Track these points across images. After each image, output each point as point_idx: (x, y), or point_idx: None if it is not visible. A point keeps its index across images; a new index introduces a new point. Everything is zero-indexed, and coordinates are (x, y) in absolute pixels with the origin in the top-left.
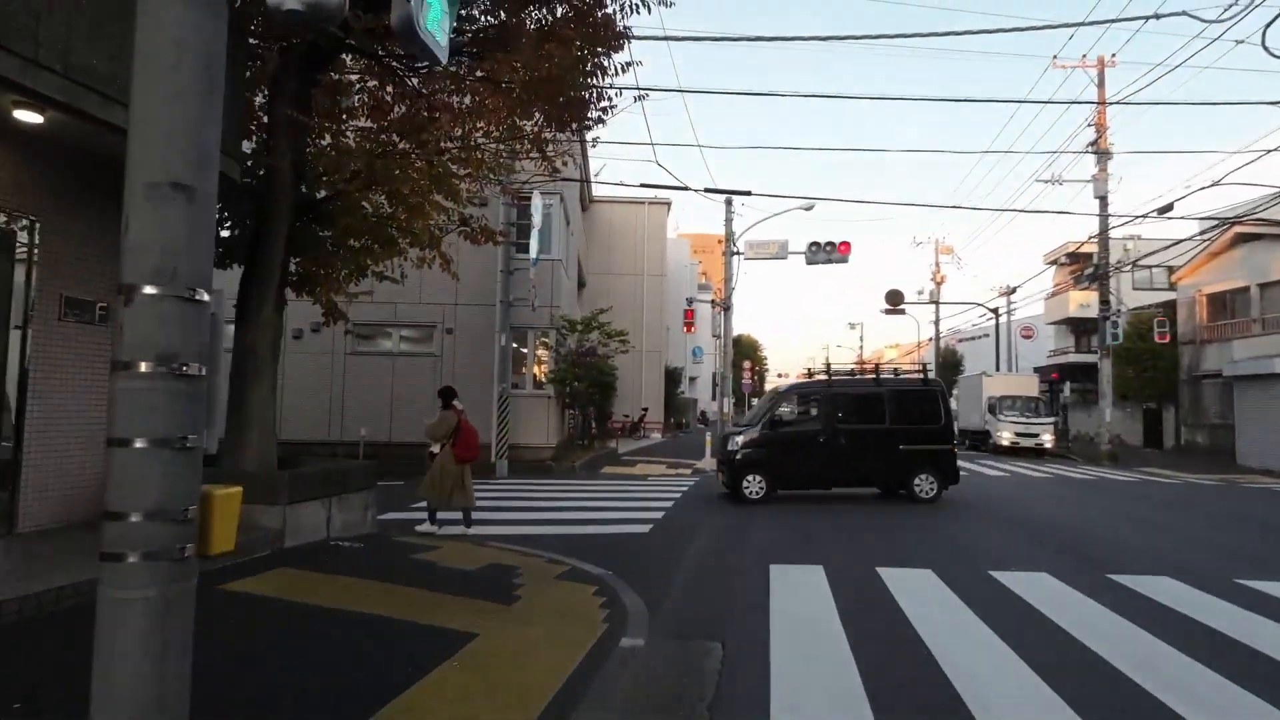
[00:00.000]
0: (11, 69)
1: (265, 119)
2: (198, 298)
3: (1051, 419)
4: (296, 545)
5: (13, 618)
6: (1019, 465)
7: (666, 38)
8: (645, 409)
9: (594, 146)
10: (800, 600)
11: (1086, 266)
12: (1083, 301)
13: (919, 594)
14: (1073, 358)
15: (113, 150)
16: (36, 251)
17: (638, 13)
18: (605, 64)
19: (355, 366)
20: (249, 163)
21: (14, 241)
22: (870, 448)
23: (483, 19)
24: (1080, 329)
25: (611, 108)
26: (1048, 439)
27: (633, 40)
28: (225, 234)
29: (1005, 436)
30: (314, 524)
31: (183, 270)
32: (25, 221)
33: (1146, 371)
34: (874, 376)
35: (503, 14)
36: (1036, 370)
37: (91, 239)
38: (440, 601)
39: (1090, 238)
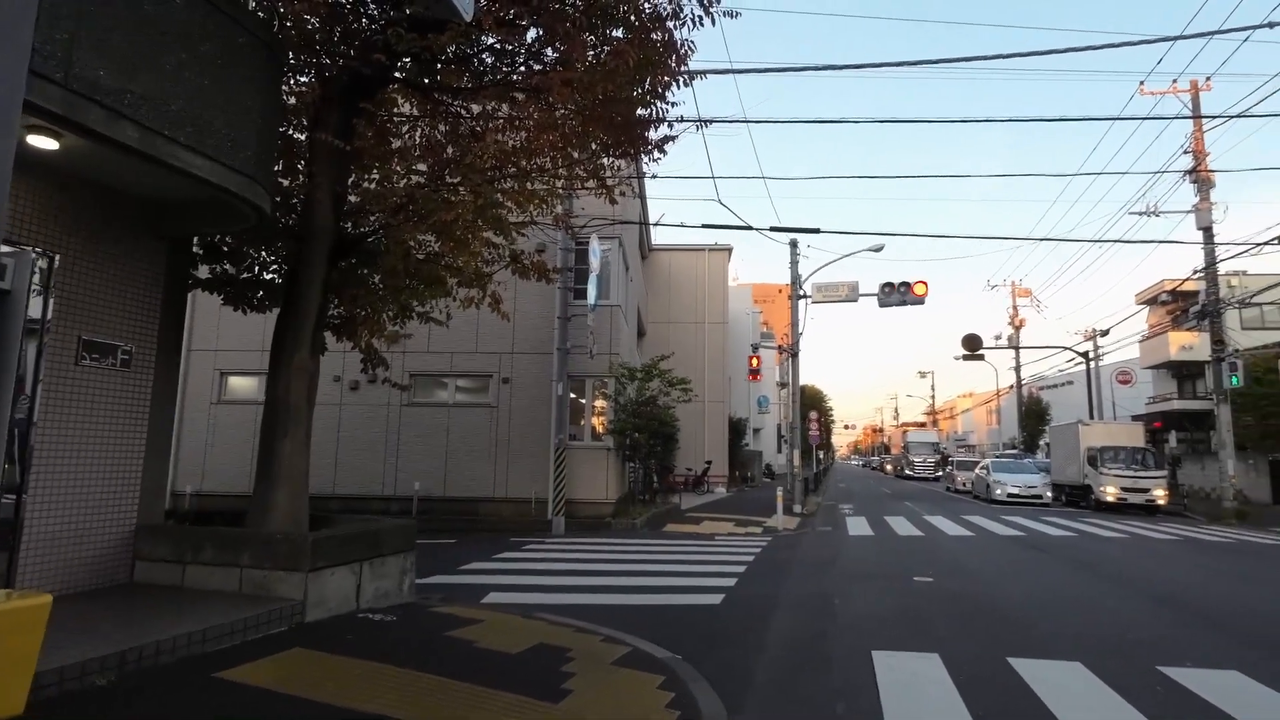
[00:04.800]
0: None
1: (306, 151)
2: None
3: (1163, 472)
4: (320, 619)
5: None
6: (1133, 525)
7: (730, 70)
8: (709, 462)
9: (653, 179)
10: (920, 705)
11: (1189, 305)
12: (1185, 343)
13: (1073, 698)
14: (1177, 404)
15: (137, 185)
16: (53, 289)
17: (700, 25)
18: (663, 91)
19: (411, 418)
20: (293, 200)
21: (30, 276)
22: None
23: (541, 51)
24: (1184, 373)
25: (671, 138)
26: (1160, 495)
27: (692, 61)
28: (267, 276)
29: (1111, 492)
30: (341, 593)
31: None
32: (43, 258)
33: (1269, 419)
34: None
35: (559, 43)
36: (1136, 419)
37: (116, 278)
38: (472, 698)
39: (1195, 273)
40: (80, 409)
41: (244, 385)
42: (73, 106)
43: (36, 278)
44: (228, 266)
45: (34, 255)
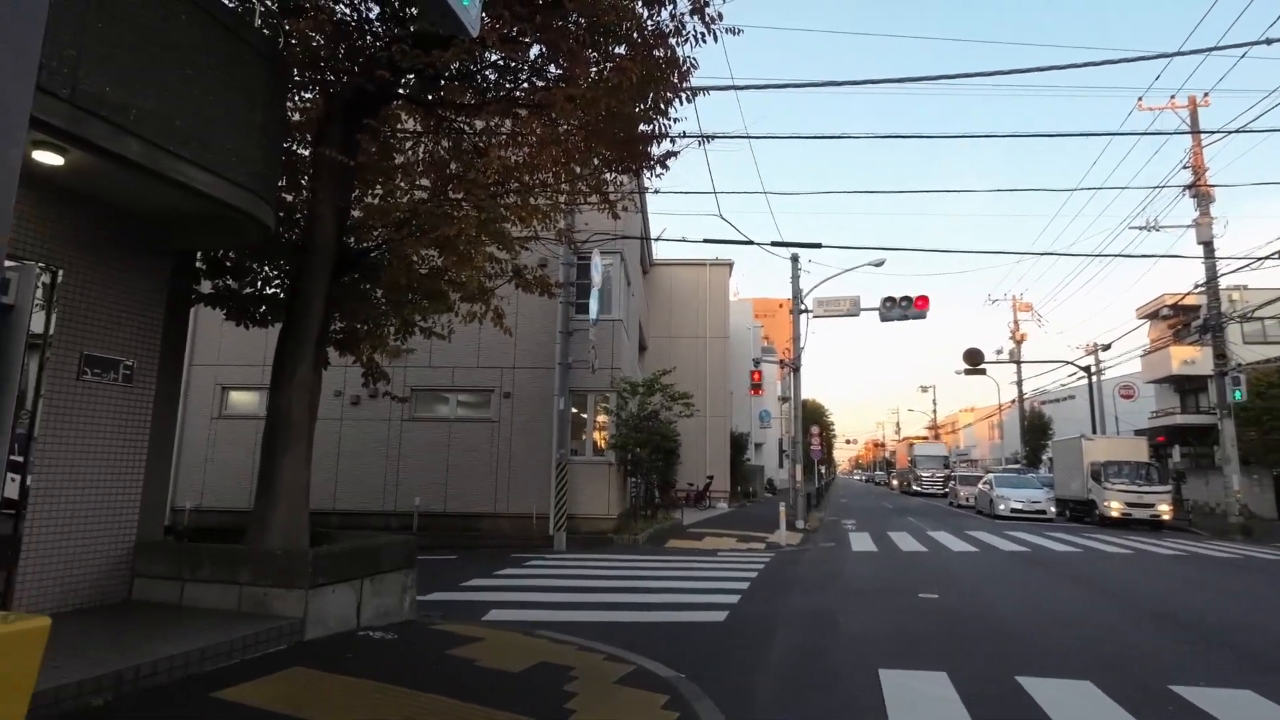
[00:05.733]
0: None
1: (310, 167)
2: None
3: (1167, 487)
4: (319, 637)
5: None
6: (1137, 540)
7: (732, 86)
8: (710, 477)
9: (655, 194)
10: None
11: (1189, 319)
12: (1186, 358)
13: (1085, 717)
14: (1180, 419)
15: (141, 200)
16: (55, 304)
17: (702, 42)
18: (665, 107)
19: (411, 433)
20: (296, 215)
21: (34, 291)
22: None
23: (545, 67)
24: (1186, 387)
25: (673, 154)
26: (1164, 510)
27: (694, 77)
28: (270, 291)
29: (1115, 507)
30: (341, 611)
31: None
32: (47, 273)
33: (1272, 433)
34: None
35: (562, 59)
36: (1139, 433)
37: (119, 293)
38: (472, 718)
39: (1196, 287)
40: (81, 425)
41: (245, 400)
42: (77, 122)
43: (39, 292)
44: (230, 281)
45: (38, 270)
